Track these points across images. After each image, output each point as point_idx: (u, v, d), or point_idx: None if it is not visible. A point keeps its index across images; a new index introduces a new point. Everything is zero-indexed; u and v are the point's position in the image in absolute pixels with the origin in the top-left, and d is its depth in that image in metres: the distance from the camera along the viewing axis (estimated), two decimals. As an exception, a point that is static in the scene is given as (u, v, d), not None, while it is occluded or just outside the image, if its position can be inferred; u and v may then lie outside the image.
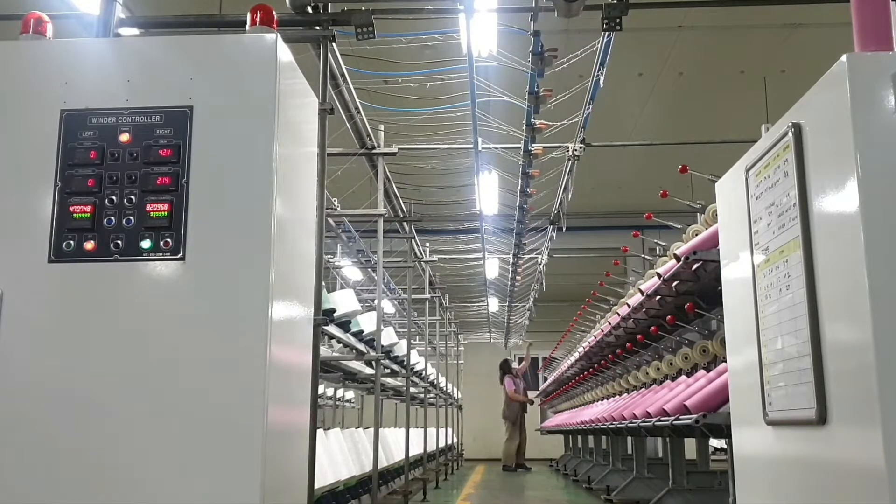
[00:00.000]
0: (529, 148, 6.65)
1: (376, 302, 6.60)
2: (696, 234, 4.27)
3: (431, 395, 11.53)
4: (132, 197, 1.95)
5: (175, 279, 1.90)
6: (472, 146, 6.97)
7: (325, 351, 5.55)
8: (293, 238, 2.14)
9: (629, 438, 8.27)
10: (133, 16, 3.61)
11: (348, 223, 7.13)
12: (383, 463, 7.88)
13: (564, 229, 9.15)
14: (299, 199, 2.23)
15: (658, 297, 4.65)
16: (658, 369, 5.50)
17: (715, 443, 10.56)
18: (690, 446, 6.28)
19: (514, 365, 15.97)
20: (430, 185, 8.45)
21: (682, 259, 3.87)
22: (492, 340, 20.37)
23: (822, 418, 1.94)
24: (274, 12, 2.12)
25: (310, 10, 3.66)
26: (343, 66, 4.67)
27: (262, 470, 1.80)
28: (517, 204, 8.25)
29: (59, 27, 2.36)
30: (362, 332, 6.55)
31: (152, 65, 2.05)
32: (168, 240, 1.91)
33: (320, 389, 7.91)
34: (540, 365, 19.71)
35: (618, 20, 3.97)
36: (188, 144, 1.96)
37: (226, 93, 2.00)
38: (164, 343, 1.87)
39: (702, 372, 4.48)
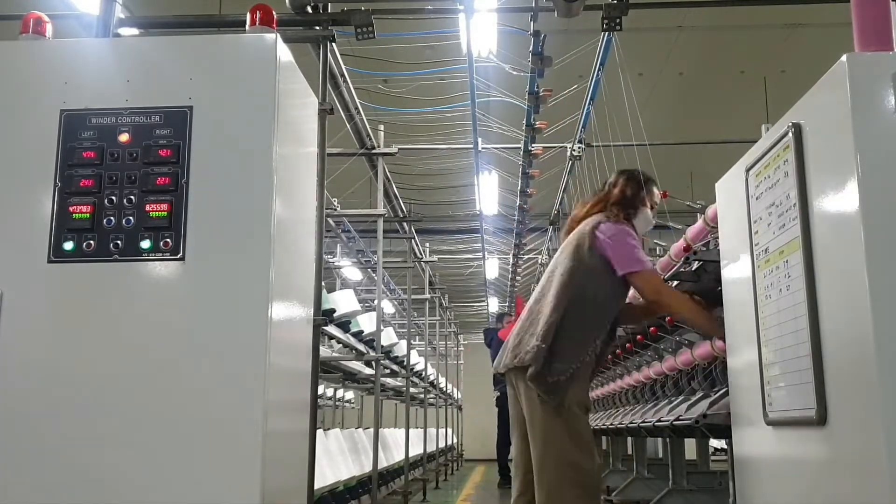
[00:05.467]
0: (529, 148, 6.65)
1: (376, 302, 6.60)
2: (697, 234, 4.26)
3: (431, 396, 11.53)
4: (132, 197, 1.94)
5: (175, 279, 1.90)
6: (471, 146, 6.97)
7: (325, 351, 5.55)
8: (293, 238, 2.14)
9: (629, 439, 8.27)
10: (133, 16, 3.61)
11: (348, 223, 7.13)
12: (383, 463, 7.88)
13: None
14: (299, 199, 2.23)
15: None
16: (658, 370, 5.49)
17: (715, 443, 10.56)
18: (690, 446, 6.28)
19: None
20: (430, 185, 8.45)
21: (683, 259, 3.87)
22: (492, 340, 20.33)
23: (822, 418, 1.94)
24: (274, 12, 2.12)
25: (310, 10, 3.65)
26: (343, 66, 4.67)
27: (261, 470, 1.80)
28: (517, 204, 8.25)
29: (59, 27, 2.36)
30: (362, 332, 6.55)
31: (152, 65, 2.05)
32: (168, 240, 1.91)
33: (320, 390, 7.91)
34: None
35: (618, 20, 3.96)
36: (188, 144, 1.96)
37: (225, 93, 2.00)
38: (163, 343, 1.87)
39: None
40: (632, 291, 3.18)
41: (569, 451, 2.78)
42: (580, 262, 2.97)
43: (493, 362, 11.35)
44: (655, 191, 3.22)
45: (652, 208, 3.20)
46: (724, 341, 2.78)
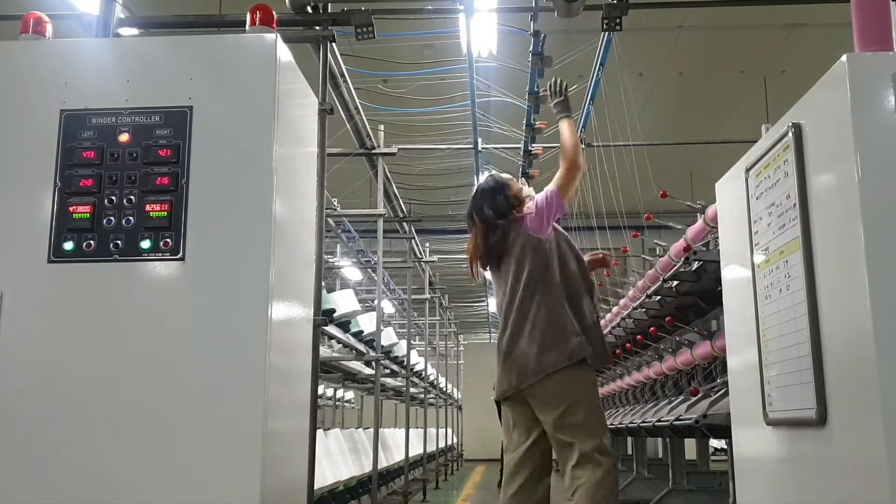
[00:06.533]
0: (529, 148, 6.65)
1: (376, 302, 6.60)
2: (697, 235, 4.26)
3: (431, 396, 11.54)
4: (132, 197, 1.94)
5: (175, 279, 1.90)
6: (472, 146, 6.97)
7: (325, 351, 5.55)
8: (293, 238, 2.14)
9: (629, 439, 8.27)
10: (133, 16, 3.61)
11: (348, 223, 7.13)
12: (383, 463, 7.88)
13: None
14: (299, 199, 2.23)
15: (658, 297, 4.65)
16: (658, 370, 5.50)
17: (715, 443, 10.56)
18: (690, 446, 6.28)
19: None
20: (430, 185, 8.46)
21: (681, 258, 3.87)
22: (492, 340, 20.35)
23: (822, 418, 1.94)
24: (274, 12, 2.12)
25: (310, 10, 3.66)
26: (343, 66, 4.67)
27: (261, 471, 1.80)
28: (517, 204, 8.23)
29: (59, 27, 2.36)
30: (362, 332, 6.56)
31: (152, 65, 2.05)
32: (168, 240, 1.91)
33: (320, 390, 7.91)
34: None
35: (618, 20, 3.96)
36: (188, 144, 1.96)
37: (226, 93, 2.00)
38: (163, 343, 1.87)
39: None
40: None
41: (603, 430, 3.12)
42: (536, 266, 3.19)
43: None
44: (522, 181, 3.52)
45: (527, 185, 3.52)
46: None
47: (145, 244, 1.91)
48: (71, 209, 1.94)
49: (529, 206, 3.29)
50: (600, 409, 3.21)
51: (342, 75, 4.73)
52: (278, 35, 2.04)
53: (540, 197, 3.27)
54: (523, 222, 3.26)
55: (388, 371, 8.18)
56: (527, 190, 3.45)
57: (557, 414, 3.09)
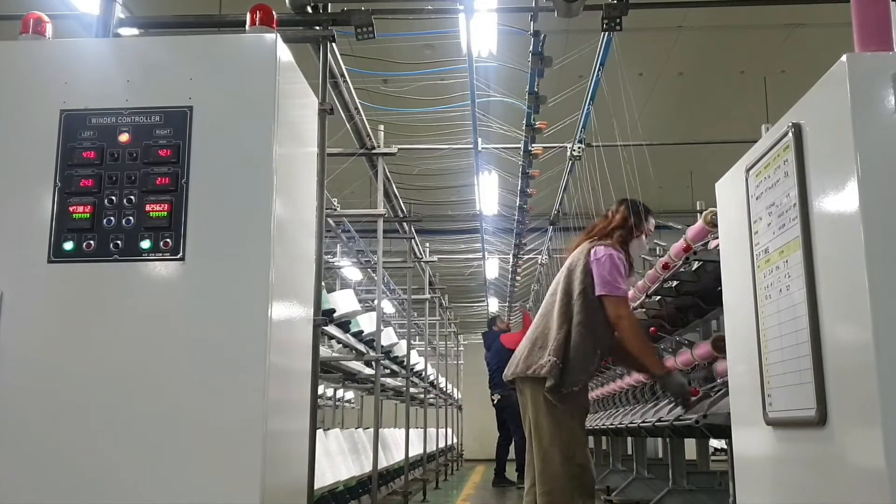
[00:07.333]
0: (529, 148, 6.65)
1: (376, 302, 6.60)
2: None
3: (431, 396, 11.53)
4: (132, 197, 1.94)
5: (175, 279, 1.90)
6: (472, 146, 6.97)
7: (325, 351, 5.55)
8: (293, 238, 2.14)
9: (629, 439, 8.27)
10: (133, 16, 3.60)
11: (348, 223, 7.13)
12: (383, 463, 7.88)
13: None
14: (299, 199, 2.23)
15: (658, 297, 4.65)
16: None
17: (715, 443, 10.55)
18: (690, 446, 6.28)
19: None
20: (430, 185, 8.46)
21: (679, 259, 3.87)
22: (492, 340, 20.31)
23: (822, 418, 1.94)
24: (274, 12, 2.12)
25: (310, 10, 3.65)
26: (343, 66, 4.67)
27: (261, 470, 1.80)
28: (517, 204, 8.25)
29: (59, 27, 2.36)
30: (362, 332, 6.56)
31: (152, 65, 2.05)
32: (168, 240, 1.91)
33: (320, 390, 7.91)
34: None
35: (618, 20, 3.96)
36: (188, 144, 1.96)
37: (225, 93, 2.00)
38: (163, 344, 1.87)
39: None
40: None
41: (571, 449, 3.21)
42: (574, 284, 3.39)
43: (488, 365, 10.96)
44: (652, 220, 3.69)
45: (647, 236, 3.67)
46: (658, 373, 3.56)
47: (145, 244, 1.91)
48: (71, 209, 1.94)
49: (601, 251, 3.40)
50: (571, 441, 3.23)
51: (342, 75, 4.73)
52: (278, 35, 2.04)
53: (604, 270, 3.36)
54: (592, 256, 3.41)
55: (388, 371, 8.18)
56: (651, 223, 3.62)
57: (530, 422, 3.32)
